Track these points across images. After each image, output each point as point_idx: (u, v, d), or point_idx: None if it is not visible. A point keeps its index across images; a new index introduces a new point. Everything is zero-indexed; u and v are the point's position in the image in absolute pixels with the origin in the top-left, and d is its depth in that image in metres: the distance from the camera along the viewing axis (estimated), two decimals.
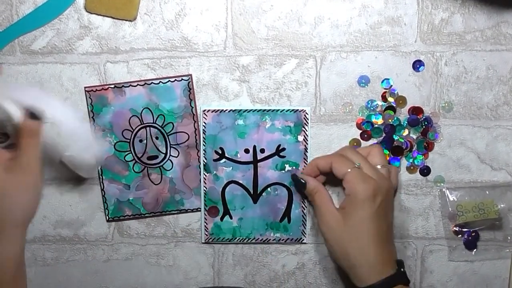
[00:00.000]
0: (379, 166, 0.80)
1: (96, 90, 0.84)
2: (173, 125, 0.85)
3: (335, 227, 0.79)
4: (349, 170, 0.78)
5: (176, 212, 0.88)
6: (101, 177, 0.86)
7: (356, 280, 0.79)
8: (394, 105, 0.85)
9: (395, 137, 0.86)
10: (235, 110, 0.85)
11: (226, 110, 0.85)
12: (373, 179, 0.78)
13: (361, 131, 0.86)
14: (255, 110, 0.85)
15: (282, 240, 0.88)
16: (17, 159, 0.73)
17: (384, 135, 0.86)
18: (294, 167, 0.85)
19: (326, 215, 0.80)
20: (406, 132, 0.86)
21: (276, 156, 0.86)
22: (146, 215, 0.88)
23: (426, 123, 0.85)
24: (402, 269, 0.78)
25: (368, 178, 0.78)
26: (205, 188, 0.87)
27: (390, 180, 0.80)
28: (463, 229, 0.87)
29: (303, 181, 0.83)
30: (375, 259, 0.77)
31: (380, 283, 0.76)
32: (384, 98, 0.85)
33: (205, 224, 0.87)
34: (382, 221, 0.78)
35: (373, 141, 0.86)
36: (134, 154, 0.86)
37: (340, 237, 0.79)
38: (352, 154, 0.80)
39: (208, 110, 0.85)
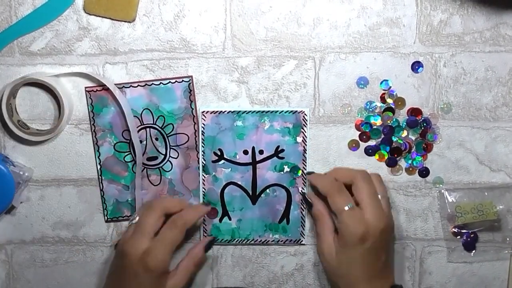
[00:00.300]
0: (379, 196, 0.80)
1: (97, 90, 0.84)
2: (173, 126, 0.85)
3: (329, 259, 0.81)
4: (346, 208, 0.78)
5: None
6: (100, 177, 0.86)
7: None
8: (393, 107, 0.85)
9: (394, 139, 0.85)
10: (234, 111, 0.85)
11: (225, 111, 0.85)
12: (365, 224, 0.77)
13: (360, 132, 0.86)
14: (254, 111, 0.85)
15: (281, 241, 0.88)
16: (174, 277, 0.81)
17: (383, 136, 0.86)
18: (295, 168, 0.86)
19: (323, 243, 0.82)
20: (405, 133, 0.85)
21: (275, 157, 0.86)
22: None
23: (425, 124, 0.85)
24: None
25: (360, 221, 0.77)
26: (204, 190, 0.87)
27: (388, 216, 0.80)
28: (462, 230, 0.87)
29: (310, 202, 0.84)
30: None
31: None
32: (383, 100, 0.85)
33: (204, 225, 0.87)
34: (373, 259, 0.78)
35: (372, 142, 0.86)
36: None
37: (332, 268, 0.81)
38: (362, 186, 0.80)
39: (207, 112, 0.85)
